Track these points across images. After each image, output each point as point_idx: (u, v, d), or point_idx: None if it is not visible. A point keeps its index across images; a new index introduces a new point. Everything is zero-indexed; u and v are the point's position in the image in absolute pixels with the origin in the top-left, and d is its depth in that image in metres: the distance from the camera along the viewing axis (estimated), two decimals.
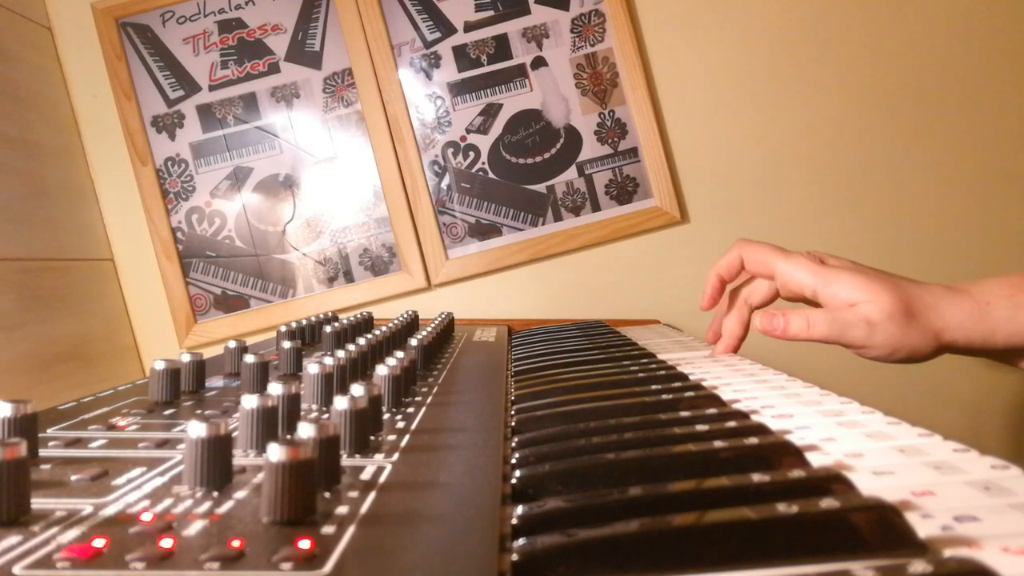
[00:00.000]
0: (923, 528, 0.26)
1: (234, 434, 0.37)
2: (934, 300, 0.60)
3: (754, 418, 0.43)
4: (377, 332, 0.68)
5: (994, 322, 0.59)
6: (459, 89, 1.27)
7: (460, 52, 1.27)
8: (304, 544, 0.26)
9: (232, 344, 0.66)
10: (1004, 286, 0.60)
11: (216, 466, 0.32)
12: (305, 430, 0.30)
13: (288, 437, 0.29)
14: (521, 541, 0.27)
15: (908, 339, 0.59)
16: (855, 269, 0.63)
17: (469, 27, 1.27)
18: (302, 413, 0.45)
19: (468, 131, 1.27)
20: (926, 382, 1.20)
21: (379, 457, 0.37)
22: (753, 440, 0.37)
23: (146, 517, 0.29)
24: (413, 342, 0.64)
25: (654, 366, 0.62)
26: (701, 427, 0.40)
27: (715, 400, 0.48)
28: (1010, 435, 1.25)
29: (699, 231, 1.26)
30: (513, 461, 0.37)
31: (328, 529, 0.27)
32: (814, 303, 0.64)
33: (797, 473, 0.31)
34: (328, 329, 0.75)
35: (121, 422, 0.46)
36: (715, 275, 0.71)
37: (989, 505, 0.28)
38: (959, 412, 1.23)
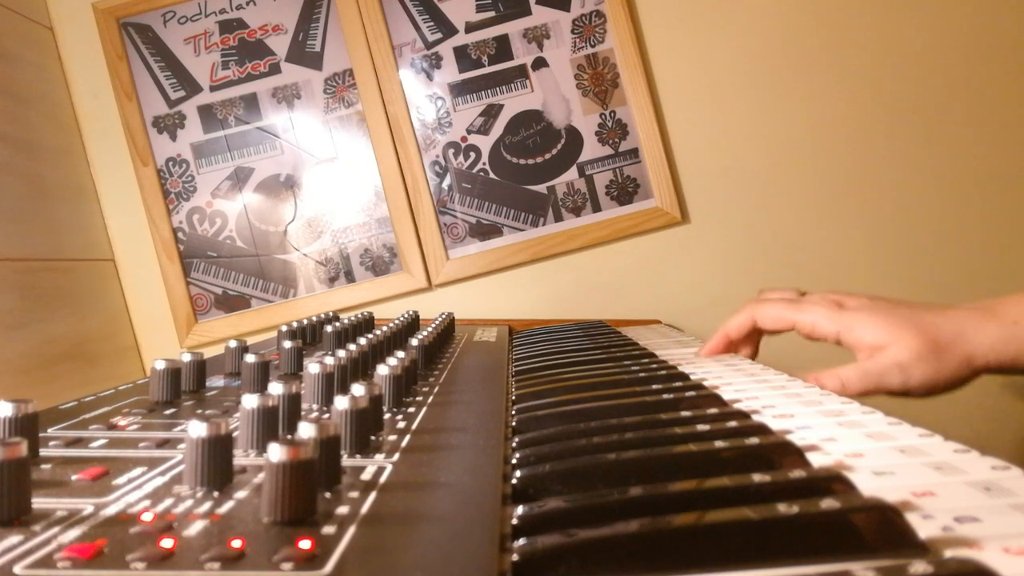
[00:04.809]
0: (924, 528, 0.26)
1: (235, 434, 0.37)
2: (958, 327, 0.59)
3: (755, 418, 0.43)
4: (378, 332, 0.68)
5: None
6: (460, 90, 1.27)
7: (461, 53, 1.27)
8: (305, 544, 0.26)
9: (233, 344, 0.66)
10: None
11: (217, 466, 0.32)
12: (306, 430, 0.30)
13: (289, 437, 0.29)
14: (521, 541, 0.27)
15: (942, 373, 0.58)
16: (875, 309, 0.62)
17: (470, 28, 1.27)
18: (303, 413, 0.45)
19: (469, 131, 1.27)
20: None
21: (380, 457, 0.37)
22: (754, 440, 0.37)
23: (147, 517, 0.29)
24: (414, 342, 0.64)
25: (655, 366, 0.62)
26: (702, 427, 0.40)
27: (716, 400, 0.48)
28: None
29: (700, 231, 1.26)
30: (514, 461, 0.37)
31: (329, 529, 0.27)
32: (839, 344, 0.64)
33: (798, 473, 0.31)
34: (329, 329, 0.75)
35: (122, 422, 0.46)
36: (723, 333, 0.70)
37: (990, 506, 0.28)
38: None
